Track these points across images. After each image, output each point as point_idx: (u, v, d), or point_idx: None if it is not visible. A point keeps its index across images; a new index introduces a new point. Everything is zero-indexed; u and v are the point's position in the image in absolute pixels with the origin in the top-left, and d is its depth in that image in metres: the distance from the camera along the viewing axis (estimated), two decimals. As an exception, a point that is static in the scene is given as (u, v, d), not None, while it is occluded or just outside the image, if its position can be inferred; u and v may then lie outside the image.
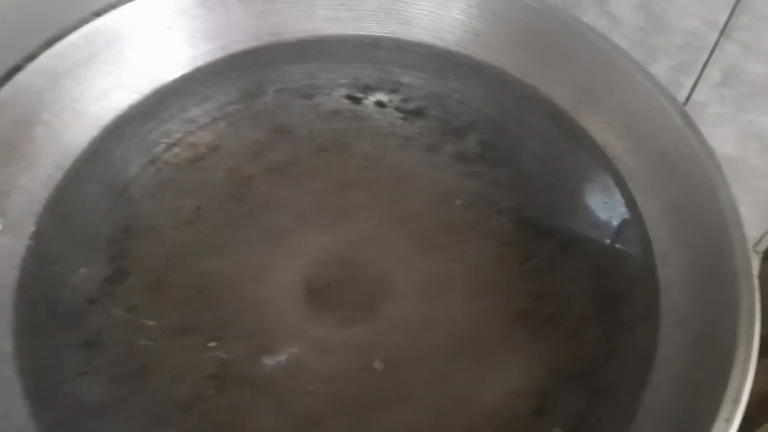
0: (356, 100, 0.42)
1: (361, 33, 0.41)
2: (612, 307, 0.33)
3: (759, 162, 0.46)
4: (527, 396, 0.31)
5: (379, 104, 0.42)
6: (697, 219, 0.31)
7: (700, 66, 0.43)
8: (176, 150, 0.39)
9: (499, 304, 0.35)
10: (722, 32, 0.41)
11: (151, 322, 0.34)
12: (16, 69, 0.35)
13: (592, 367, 0.32)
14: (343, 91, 0.42)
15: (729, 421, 0.25)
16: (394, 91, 0.42)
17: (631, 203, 0.34)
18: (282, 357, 0.33)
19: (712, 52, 0.42)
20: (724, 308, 0.28)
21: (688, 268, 0.31)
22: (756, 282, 0.27)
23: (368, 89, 0.42)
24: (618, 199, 0.35)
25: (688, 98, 0.45)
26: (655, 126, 0.34)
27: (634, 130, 0.35)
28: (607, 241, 0.35)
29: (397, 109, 0.42)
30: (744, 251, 0.28)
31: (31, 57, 0.35)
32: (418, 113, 0.41)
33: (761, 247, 0.51)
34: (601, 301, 0.34)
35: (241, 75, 0.41)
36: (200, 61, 0.40)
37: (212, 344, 0.34)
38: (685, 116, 0.33)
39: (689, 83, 0.45)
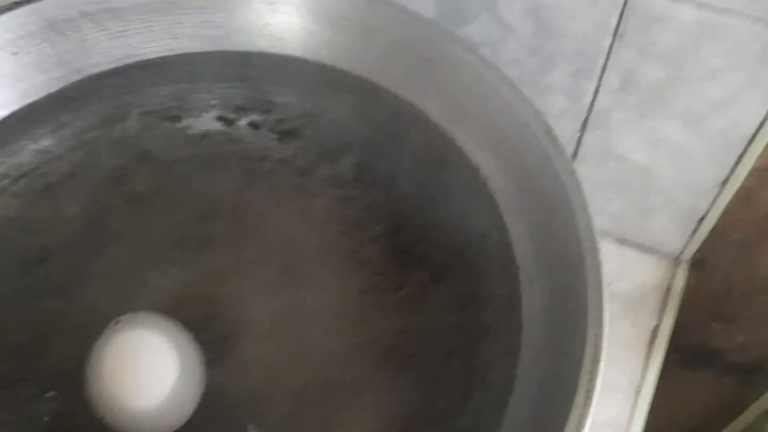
0: (228, 122, 0.39)
1: (230, 49, 0.39)
2: (476, 341, 0.31)
3: (669, 170, 0.43)
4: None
5: (253, 125, 0.39)
6: (557, 245, 0.29)
7: (599, 71, 0.41)
8: (25, 182, 0.36)
9: (365, 340, 0.33)
10: (615, 36, 0.39)
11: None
12: None
13: (452, 408, 0.29)
14: (214, 113, 0.39)
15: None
16: (267, 111, 0.39)
17: (501, 227, 0.32)
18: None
19: (607, 57, 0.40)
20: (572, 345, 0.25)
21: (549, 299, 0.29)
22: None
23: (240, 110, 0.39)
24: (490, 222, 0.32)
25: (591, 104, 0.43)
26: (522, 144, 0.31)
27: (504, 147, 0.33)
28: (478, 268, 0.32)
29: (272, 130, 0.39)
30: (597, 284, 0.25)
31: None
32: (292, 134, 0.39)
33: (686, 257, 0.49)
34: (466, 335, 0.31)
35: (99, 99, 0.38)
36: (53, 87, 0.37)
37: (49, 395, 0.31)
38: (548, 132, 0.30)
39: (591, 89, 0.42)
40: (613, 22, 0.38)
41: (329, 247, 0.36)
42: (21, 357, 0.32)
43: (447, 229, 0.35)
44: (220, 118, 0.39)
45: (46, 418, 0.31)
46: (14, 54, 0.36)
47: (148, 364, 0.28)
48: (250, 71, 0.39)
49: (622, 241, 0.49)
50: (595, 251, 0.26)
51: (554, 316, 0.27)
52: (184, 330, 0.30)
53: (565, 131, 0.44)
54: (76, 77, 0.38)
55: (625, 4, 0.37)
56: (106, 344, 0.28)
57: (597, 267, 0.26)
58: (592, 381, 0.23)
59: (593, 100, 0.43)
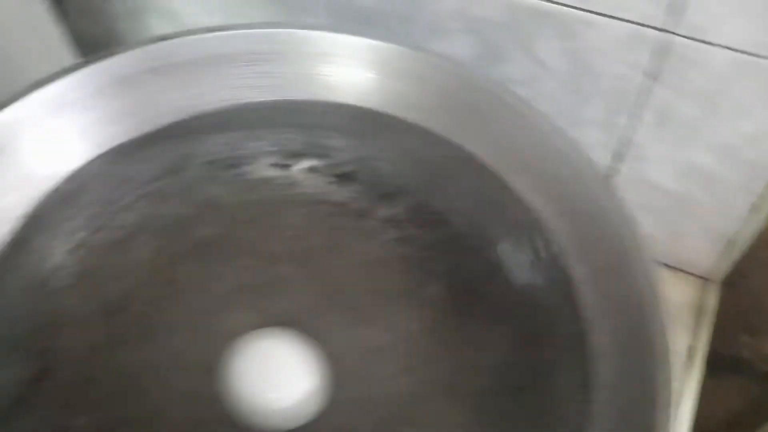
0: (284, 167, 0.41)
1: (283, 98, 0.40)
2: (545, 378, 0.33)
3: (701, 197, 0.45)
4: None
5: (309, 170, 0.41)
6: (620, 288, 0.31)
7: (632, 107, 0.43)
8: (99, 235, 0.38)
9: (433, 378, 0.35)
10: (651, 77, 0.41)
11: (82, 420, 0.34)
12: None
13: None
14: (271, 159, 0.41)
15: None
16: (323, 155, 0.41)
17: (559, 268, 0.34)
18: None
19: (642, 95, 0.42)
20: (646, 384, 0.27)
21: (616, 337, 0.31)
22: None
23: (296, 155, 0.41)
24: (548, 262, 0.34)
25: (626, 138, 0.45)
26: (580, 191, 0.34)
27: (560, 193, 0.35)
28: (540, 306, 0.34)
29: (327, 174, 0.41)
30: (662, 327, 0.27)
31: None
32: (348, 177, 0.41)
33: (718, 276, 0.51)
34: (534, 372, 0.33)
35: (162, 151, 0.40)
36: (117, 140, 0.39)
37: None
38: (605, 182, 0.32)
39: (625, 123, 0.44)
40: (650, 64, 0.40)
41: (391, 287, 0.38)
42: (117, 402, 0.34)
43: (504, 269, 0.37)
44: (277, 165, 0.41)
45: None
46: (85, 109, 0.38)
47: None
48: (303, 118, 0.41)
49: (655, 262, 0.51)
50: (659, 290, 0.28)
51: (623, 353, 0.29)
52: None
53: (599, 161, 0.46)
54: (139, 131, 0.40)
55: (662, 48, 0.39)
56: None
57: (662, 304, 0.28)
58: (667, 421, 0.25)
59: (628, 135, 0.45)
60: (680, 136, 0.43)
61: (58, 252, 0.37)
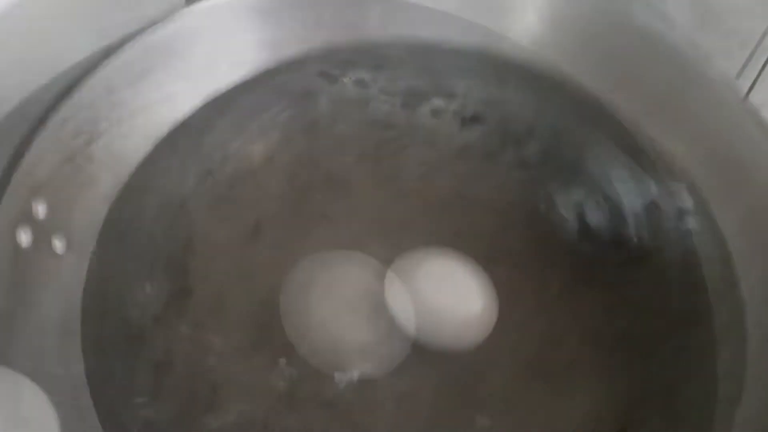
0: (411, 108, 0.41)
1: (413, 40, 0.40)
2: (691, 324, 0.33)
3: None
4: (610, 422, 0.31)
5: (435, 111, 0.41)
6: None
7: (759, 67, 0.42)
8: (232, 162, 0.38)
9: (572, 321, 0.35)
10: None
11: (218, 340, 0.34)
12: (73, 84, 0.34)
13: (674, 389, 0.31)
14: (398, 99, 0.41)
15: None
16: (450, 96, 0.41)
17: (706, 214, 0.34)
18: (354, 375, 0.32)
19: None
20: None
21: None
22: None
23: (423, 96, 0.41)
24: (692, 208, 0.34)
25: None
26: (726, 133, 0.33)
27: (705, 138, 0.35)
28: (680, 252, 0.34)
29: (454, 115, 0.41)
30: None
31: (88, 70, 0.34)
32: (475, 120, 0.40)
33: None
34: (679, 318, 0.33)
35: (293, 83, 0.40)
36: (249, 72, 0.39)
37: (282, 361, 0.33)
38: (761, 124, 0.32)
39: (746, 85, 0.44)
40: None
41: (522, 230, 0.38)
42: (253, 325, 0.34)
43: (638, 212, 0.37)
44: (404, 105, 0.41)
45: (281, 383, 0.33)
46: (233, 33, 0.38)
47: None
48: (432, 59, 0.41)
49: None
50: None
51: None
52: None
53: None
54: (274, 62, 0.39)
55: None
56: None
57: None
58: None
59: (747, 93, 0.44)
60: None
61: (191, 178, 0.38)
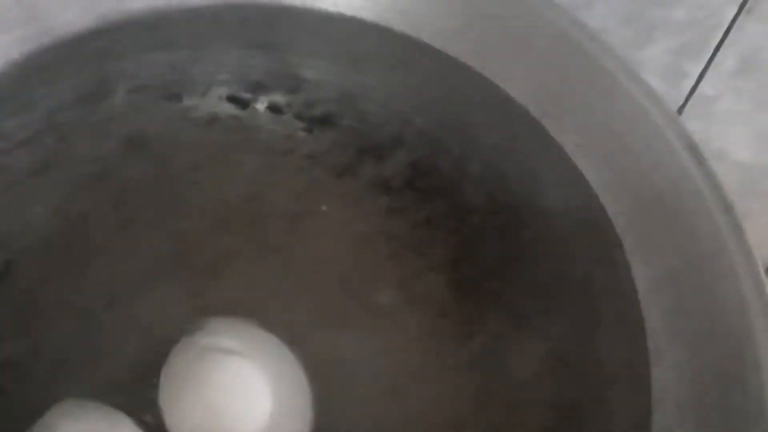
0: (242, 104, 0.31)
1: (247, 2, 0.30)
2: (586, 418, 0.23)
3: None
4: None
5: (274, 109, 0.31)
6: (702, 303, 0.21)
7: (711, 49, 0.32)
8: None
9: (427, 407, 0.25)
10: (742, 6, 0.30)
11: None
12: None
13: None
14: (224, 90, 0.31)
15: None
16: (294, 90, 0.30)
17: (622, 262, 0.24)
18: None
19: (727, 31, 0.31)
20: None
21: (691, 373, 0.21)
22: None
23: (259, 87, 0.31)
24: (601, 252, 0.25)
25: (693, 90, 0.35)
26: (648, 159, 0.23)
27: (619, 159, 0.25)
28: (576, 313, 0.25)
29: (298, 116, 0.30)
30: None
31: None
32: (325, 122, 0.30)
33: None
34: (569, 409, 0.24)
35: (77, 70, 0.29)
36: (15, 52, 0.28)
37: None
38: (692, 149, 0.22)
39: (695, 71, 0.34)
40: (745, -12, 0.30)
41: (375, 276, 0.28)
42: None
43: (530, 256, 0.27)
44: (231, 98, 0.31)
45: None
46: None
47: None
48: (271, 35, 0.30)
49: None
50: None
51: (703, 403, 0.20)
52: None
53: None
54: (47, 39, 0.29)
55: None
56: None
57: None
58: None
59: (696, 85, 0.34)
60: (764, 88, 0.33)
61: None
